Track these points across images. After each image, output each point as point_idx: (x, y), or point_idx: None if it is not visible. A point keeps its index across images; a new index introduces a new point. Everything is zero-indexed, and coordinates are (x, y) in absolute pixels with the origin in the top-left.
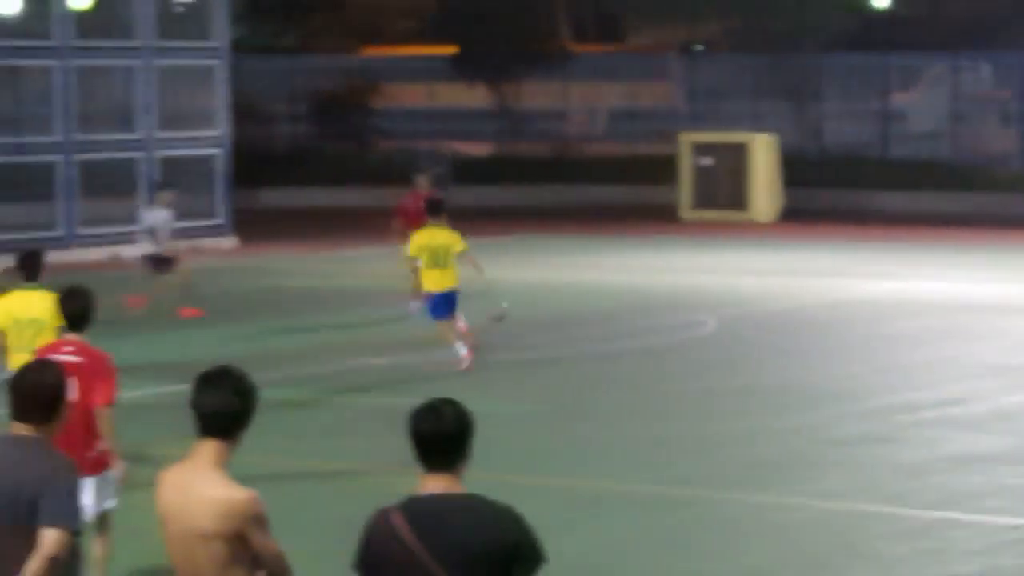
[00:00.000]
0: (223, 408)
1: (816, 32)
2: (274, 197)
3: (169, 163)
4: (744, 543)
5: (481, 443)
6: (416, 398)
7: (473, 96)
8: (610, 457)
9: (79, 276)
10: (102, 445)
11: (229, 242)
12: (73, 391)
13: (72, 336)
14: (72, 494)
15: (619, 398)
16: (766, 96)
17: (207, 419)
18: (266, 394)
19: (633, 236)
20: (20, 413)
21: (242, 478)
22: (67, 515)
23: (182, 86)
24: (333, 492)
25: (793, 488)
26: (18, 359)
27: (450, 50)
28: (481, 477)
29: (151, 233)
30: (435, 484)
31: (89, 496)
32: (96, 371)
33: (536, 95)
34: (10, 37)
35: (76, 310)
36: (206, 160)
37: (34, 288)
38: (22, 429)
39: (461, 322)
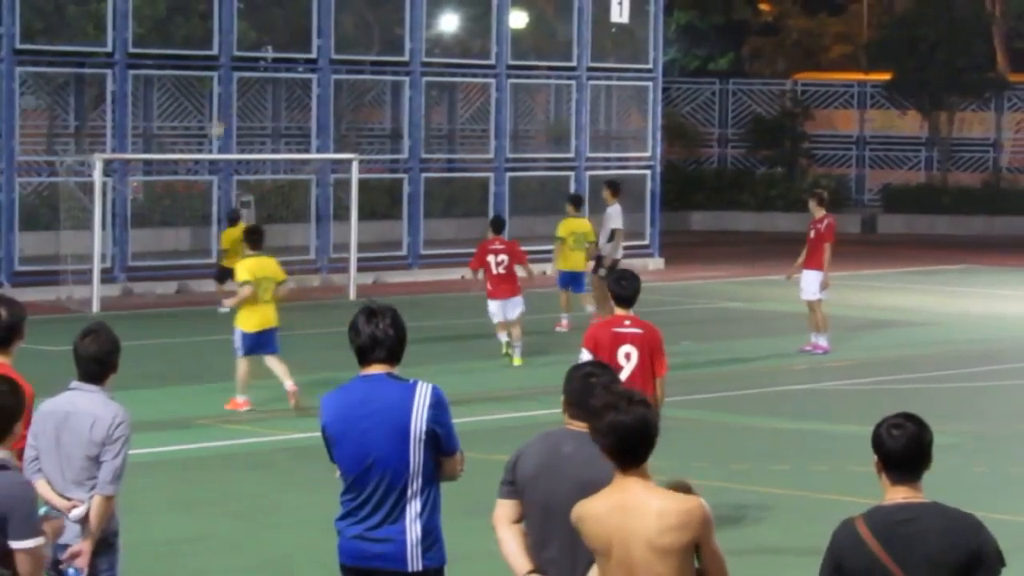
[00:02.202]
0: (647, 437)
1: None
2: (703, 220)
3: (599, 183)
4: None
5: None
6: (832, 425)
7: (906, 124)
8: None
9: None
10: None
11: (655, 263)
12: (634, 357)
13: (623, 312)
14: None
15: None
16: None
17: (634, 452)
18: (690, 415)
19: None
20: (574, 410)
21: None
22: None
23: (615, 107)
24: (760, 516)
25: None
26: (254, 313)
27: (884, 77)
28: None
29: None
30: (899, 493)
31: None
32: (654, 343)
33: (970, 124)
34: (449, 55)
35: (631, 290)
36: (636, 181)
37: (261, 255)
38: (577, 426)
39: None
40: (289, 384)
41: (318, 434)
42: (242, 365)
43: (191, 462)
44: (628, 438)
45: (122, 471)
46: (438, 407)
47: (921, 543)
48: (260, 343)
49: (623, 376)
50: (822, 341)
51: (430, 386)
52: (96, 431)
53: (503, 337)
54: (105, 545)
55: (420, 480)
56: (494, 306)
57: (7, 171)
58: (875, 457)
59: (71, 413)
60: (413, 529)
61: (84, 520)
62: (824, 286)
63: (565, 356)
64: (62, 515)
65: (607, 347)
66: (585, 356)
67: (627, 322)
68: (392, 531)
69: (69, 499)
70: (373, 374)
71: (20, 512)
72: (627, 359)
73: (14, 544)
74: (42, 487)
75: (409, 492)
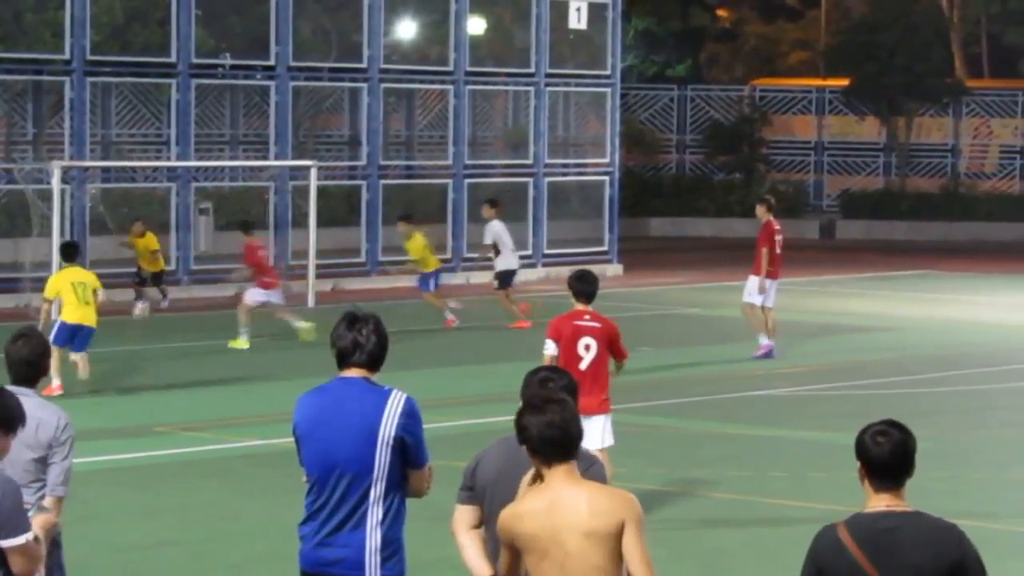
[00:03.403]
0: (565, 434)
1: None
2: (661, 226)
3: (558, 189)
4: None
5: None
6: (791, 431)
7: (864, 129)
8: (995, 497)
9: (468, 299)
10: (607, 393)
11: (614, 269)
12: (593, 348)
13: (583, 307)
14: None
15: (1001, 437)
16: None
17: (555, 446)
18: (647, 421)
19: None
20: None
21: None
22: None
23: (573, 113)
24: (716, 522)
25: None
26: (75, 310)
27: (842, 83)
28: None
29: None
30: (882, 501)
31: (595, 431)
32: (612, 335)
33: (928, 130)
34: (407, 61)
35: (592, 288)
36: (595, 187)
37: (75, 265)
38: None
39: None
40: (84, 374)
41: (276, 441)
42: (55, 352)
43: (150, 469)
44: (549, 432)
45: (71, 471)
46: (410, 417)
47: (903, 552)
48: (74, 336)
49: (583, 366)
50: (765, 340)
51: (405, 395)
52: (42, 433)
53: (292, 321)
54: (54, 545)
55: (383, 486)
56: (266, 294)
57: None
58: (858, 464)
59: None
60: (373, 536)
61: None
62: (761, 290)
63: (523, 362)
64: (50, 511)
65: (569, 338)
66: (550, 346)
67: (587, 316)
68: (351, 538)
69: None
70: (350, 377)
71: (7, 509)
72: (587, 350)
73: (5, 543)
74: None
75: (371, 497)
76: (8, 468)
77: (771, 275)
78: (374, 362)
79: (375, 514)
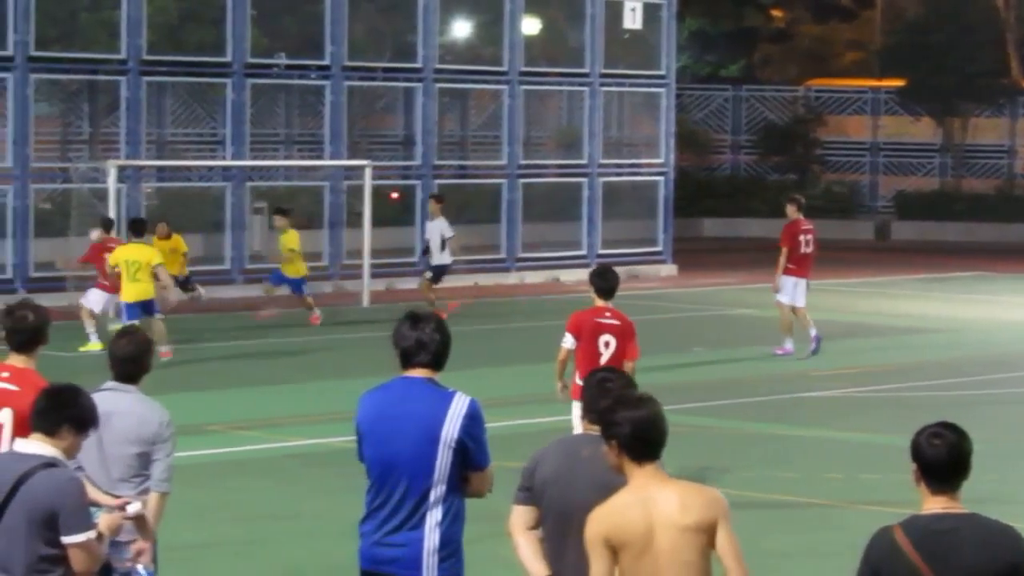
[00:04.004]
0: (659, 431)
1: None
2: (714, 226)
3: (611, 189)
4: None
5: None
6: (842, 432)
7: (919, 130)
8: None
9: (519, 300)
10: None
11: (668, 270)
12: (613, 345)
13: (604, 303)
14: None
15: None
16: None
17: (649, 444)
18: (700, 422)
19: None
20: (591, 415)
21: None
22: None
23: (627, 113)
24: (769, 523)
25: None
26: (128, 288)
27: (897, 83)
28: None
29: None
30: (938, 503)
31: None
32: (628, 332)
33: (983, 131)
34: (461, 61)
35: (609, 285)
36: (649, 188)
37: (139, 242)
38: (595, 430)
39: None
40: (165, 349)
41: (328, 440)
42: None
43: (201, 468)
44: (644, 429)
45: (173, 467)
46: (473, 419)
47: (960, 554)
48: (144, 309)
49: (602, 361)
50: (789, 344)
51: (468, 398)
52: (145, 429)
53: (93, 328)
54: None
55: (444, 487)
56: (109, 298)
57: (22, 178)
58: (914, 466)
59: (113, 413)
60: (432, 537)
61: (139, 517)
62: (774, 290)
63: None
64: (115, 511)
65: (589, 334)
66: (568, 339)
67: (608, 314)
68: (410, 536)
69: (118, 496)
70: (414, 377)
71: (70, 507)
72: (606, 347)
73: (66, 539)
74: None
75: (432, 498)
76: (110, 464)
77: (796, 273)
78: (438, 361)
79: (435, 514)
